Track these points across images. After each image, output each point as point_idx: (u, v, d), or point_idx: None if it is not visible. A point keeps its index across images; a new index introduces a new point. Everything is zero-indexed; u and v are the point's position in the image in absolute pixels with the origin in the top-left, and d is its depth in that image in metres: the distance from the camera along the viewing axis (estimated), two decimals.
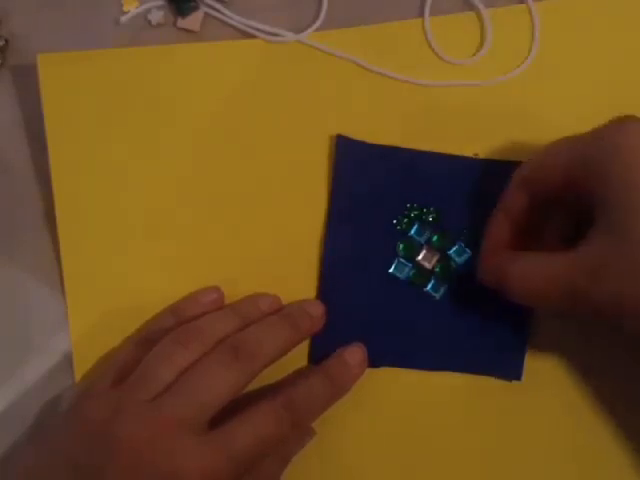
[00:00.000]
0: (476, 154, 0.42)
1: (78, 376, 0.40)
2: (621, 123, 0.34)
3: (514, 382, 0.41)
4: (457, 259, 0.41)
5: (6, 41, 0.42)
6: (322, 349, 0.40)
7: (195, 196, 0.41)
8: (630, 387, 0.41)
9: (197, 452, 0.34)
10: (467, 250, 0.41)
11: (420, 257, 0.41)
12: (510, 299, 0.36)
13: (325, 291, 0.41)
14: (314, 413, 0.38)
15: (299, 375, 0.38)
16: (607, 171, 0.33)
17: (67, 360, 0.41)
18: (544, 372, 0.41)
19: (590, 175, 0.34)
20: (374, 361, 0.40)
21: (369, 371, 0.40)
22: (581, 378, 0.41)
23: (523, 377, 0.41)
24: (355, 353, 0.39)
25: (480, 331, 0.41)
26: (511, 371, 0.41)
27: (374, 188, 0.41)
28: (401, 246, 0.41)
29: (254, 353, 0.37)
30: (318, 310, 0.40)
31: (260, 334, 0.37)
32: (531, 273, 0.35)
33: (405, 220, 0.41)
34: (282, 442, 0.36)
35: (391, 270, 0.41)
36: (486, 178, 0.41)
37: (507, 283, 0.36)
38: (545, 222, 0.38)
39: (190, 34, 0.43)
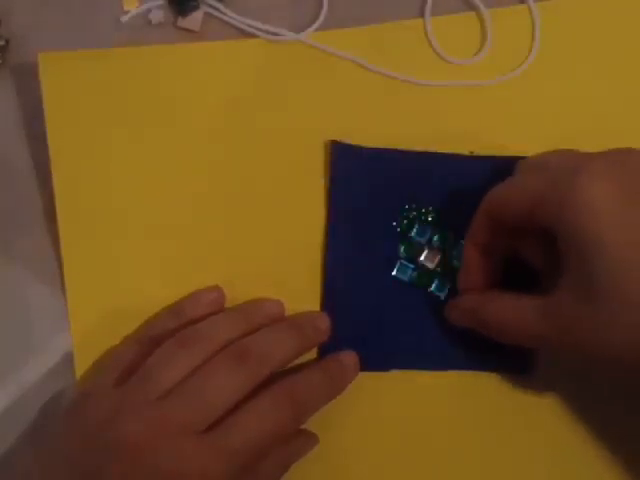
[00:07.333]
0: (472, 152, 0.42)
1: (78, 376, 0.40)
2: (575, 174, 0.33)
3: (524, 376, 0.41)
4: (459, 257, 0.41)
5: (6, 41, 0.42)
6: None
7: (195, 196, 0.41)
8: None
9: (198, 453, 0.34)
10: None
11: (422, 258, 0.41)
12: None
13: (330, 297, 0.41)
14: (313, 409, 0.38)
15: (297, 370, 0.38)
16: (565, 228, 0.33)
17: (67, 360, 0.40)
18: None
19: (550, 220, 0.34)
20: (383, 365, 0.40)
21: (374, 373, 0.40)
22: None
23: (533, 370, 0.41)
24: (350, 356, 0.40)
25: None
26: (520, 365, 0.41)
27: (372, 191, 0.41)
28: (402, 248, 0.41)
29: (261, 359, 0.36)
30: (325, 323, 0.40)
31: (268, 341, 0.37)
32: (504, 319, 0.36)
33: (405, 221, 0.41)
34: (283, 438, 0.36)
35: (394, 273, 0.41)
36: (483, 174, 0.41)
37: (484, 328, 0.37)
38: (521, 251, 0.38)
39: (190, 34, 0.43)
